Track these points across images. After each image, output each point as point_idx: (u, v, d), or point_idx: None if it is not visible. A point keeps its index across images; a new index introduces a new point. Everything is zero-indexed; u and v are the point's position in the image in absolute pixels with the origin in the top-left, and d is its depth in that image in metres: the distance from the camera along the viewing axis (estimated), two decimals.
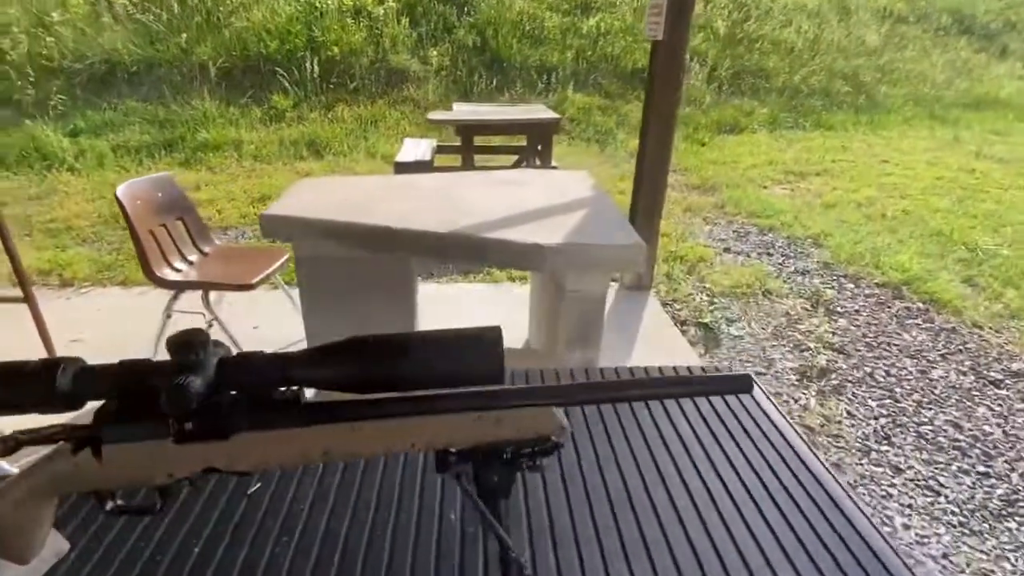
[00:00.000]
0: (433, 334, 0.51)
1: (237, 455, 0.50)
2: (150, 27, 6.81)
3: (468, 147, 4.19)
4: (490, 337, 0.50)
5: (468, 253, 1.70)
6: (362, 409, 0.51)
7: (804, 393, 2.41)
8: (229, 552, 0.63)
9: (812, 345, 2.75)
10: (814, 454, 0.79)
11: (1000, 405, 2.36)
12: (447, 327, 0.50)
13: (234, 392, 0.50)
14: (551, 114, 4.44)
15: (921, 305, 3.13)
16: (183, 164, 5.37)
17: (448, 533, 0.65)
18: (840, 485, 0.73)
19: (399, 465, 0.76)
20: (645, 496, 0.71)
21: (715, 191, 4.99)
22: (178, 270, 2.34)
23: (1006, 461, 2.06)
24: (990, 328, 2.91)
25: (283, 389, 0.51)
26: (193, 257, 2.46)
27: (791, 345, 2.76)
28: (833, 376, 2.52)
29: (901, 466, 2.03)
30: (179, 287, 2.31)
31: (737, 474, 0.75)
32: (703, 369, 0.93)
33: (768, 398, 0.90)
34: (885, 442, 2.14)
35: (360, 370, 0.49)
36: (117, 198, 2.19)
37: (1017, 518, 1.83)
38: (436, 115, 4.45)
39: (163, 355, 0.49)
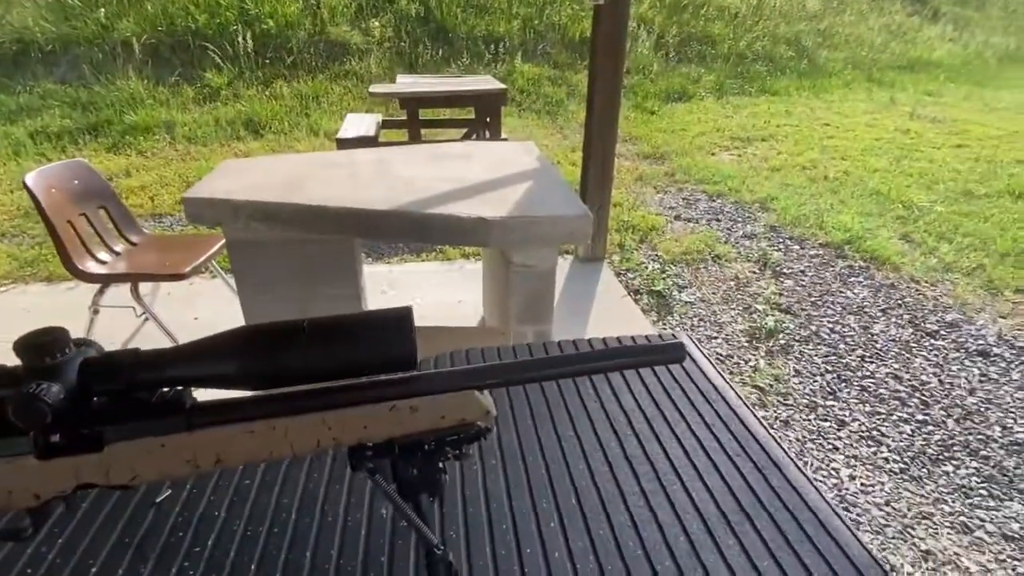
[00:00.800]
0: (332, 320, 0.46)
1: (114, 468, 0.44)
2: (64, 1, 6.30)
3: (414, 121, 4.05)
4: (399, 319, 0.45)
5: (411, 231, 1.63)
6: (253, 408, 0.45)
7: (754, 354, 2.46)
8: (132, 570, 0.57)
9: (760, 307, 2.81)
10: (755, 417, 0.78)
11: (936, 355, 2.47)
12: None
13: (104, 397, 0.44)
14: (498, 84, 4.33)
15: (862, 263, 3.23)
16: (111, 149, 5.03)
17: (377, 531, 0.61)
18: (780, 447, 0.72)
19: (326, 461, 0.71)
20: (585, 468, 0.68)
21: (665, 159, 5.01)
22: (103, 262, 2.18)
23: (942, 408, 2.16)
24: (926, 282, 3.03)
25: (165, 391, 0.45)
26: (120, 247, 2.31)
27: (740, 308, 2.81)
28: (781, 336, 2.58)
29: (846, 419, 2.10)
30: (104, 280, 2.16)
31: (678, 440, 0.73)
32: (633, 340, 0.90)
33: (710, 362, 0.88)
34: (831, 397, 2.22)
35: (249, 364, 0.43)
36: (27, 187, 2.01)
37: (953, 462, 1.92)
38: (378, 88, 4.28)
39: None
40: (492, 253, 2.09)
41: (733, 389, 0.83)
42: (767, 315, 2.73)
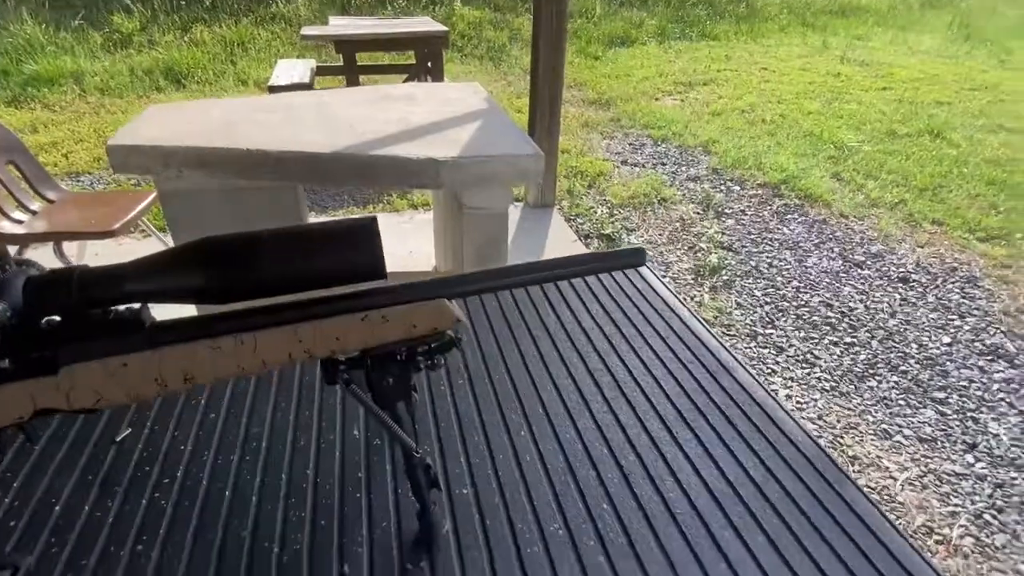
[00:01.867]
0: (297, 229, 0.45)
1: (76, 391, 0.43)
2: None
3: (351, 67, 3.86)
4: (364, 228, 0.45)
5: (358, 174, 1.58)
6: (219, 324, 0.44)
7: (699, 291, 2.57)
8: (99, 505, 0.56)
9: (704, 246, 2.92)
10: (706, 328, 0.82)
11: (862, 283, 2.64)
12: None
13: (54, 318, 0.42)
14: (439, 26, 4.16)
15: (797, 201, 3.38)
16: (11, 103, 4.57)
17: (352, 449, 0.62)
18: (730, 353, 0.77)
19: (293, 385, 0.70)
20: (550, 382, 0.71)
21: (610, 105, 5.00)
22: (18, 221, 2.02)
23: (867, 331, 2.33)
24: (854, 217, 3.21)
25: (120, 309, 0.44)
26: (36, 206, 2.13)
27: (686, 248, 2.91)
28: (724, 273, 2.70)
29: (783, 345, 2.24)
30: (22, 241, 2.00)
31: (636, 353, 0.76)
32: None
33: (663, 283, 0.92)
34: (770, 326, 2.35)
35: (212, 277, 0.42)
36: None
37: (877, 377, 2.10)
38: (310, 30, 4.03)
39: None
40: (443, 199, 2.06)
41: (685, 305, 0.87)
42: (710, 253, 2.84)
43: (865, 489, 0.57)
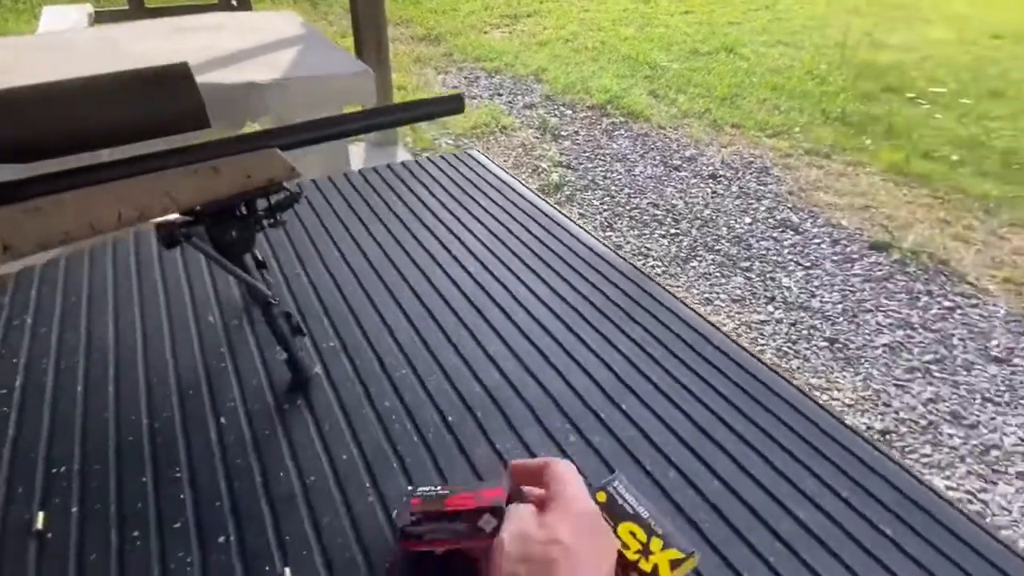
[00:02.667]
0: (102, 78, 0.44)
1: None
2: None
3: (139, 8, 3.38)
4: (176, 73, 0.45)
5: None
6: (34, 185, 0.43)
7: None
8: None
9: (546, 166, 3.09)
10: (541, 198, 0.92)
11: (681, 183, 2.99)
12: None
13: None
14: None
15: (622, 118, 3.68)
16: None
17: (210, 333, 0.63)
18: (563, 214, 0.88)
19: (129, 266, 0.68)
20: (404, 255, 0.76)
21: (440, 40, 4.94)
22: None
23: (687, 221, 2.67)
24: (670, 127, 3.58)
25: None
26: None
27: (530, 170, 3.06)
28: (566, 188, 2.89)
29: (621, 243, 2.50)
30: None
31: (482, 224, 0.84)
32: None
33: (498, 165, 1.00)
34: (609, 229, 2.60)
35: (6, 134, 0.40)
36: None
37: (698, 259, 2.43)
38: None
39: None
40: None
41: (520, 181, 0.96)
42: (552, 172, 3.02)
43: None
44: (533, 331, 0.64)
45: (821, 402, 0.55)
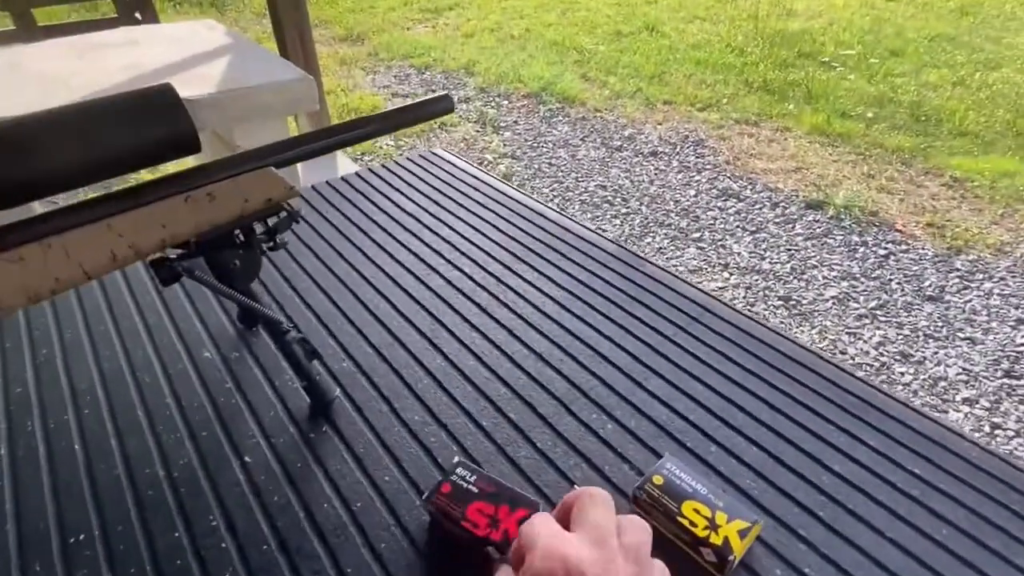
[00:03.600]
0: (79, 106, 0.40)
1: None
2: None
3: (30, 27, 3.11)
4: (161, 95, 0.42)
5: None
6: (14, 232, 0.39)
7: None
8: None
9: (491, 159, 3.08)
10: (510, 186, 0.91)
11: (624, 163, 3.05)
12: None
13: None
14: None
15: (558, 104, 3.70)
16: None
17: (210, 369, 0.59)
18: (536, 200, 0.88)
19: (99, 308, 0.63)
20: (390, 259, 0.74)
21: (363, 40, 4.81)
22: None
23: (636, 200, 2.73)
24: (606, 109, 3.64)
25: None
26: None
27: (476, 163, 3.04)
28: (514, 178, 2.89)
29: None
30: None
31: (463, 221, 0.83)
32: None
33: (468, 163, 0.99)
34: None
35: None
36: None
37: (651, 235, 2.49)
38: None
39: None
40: (211, 145, 1.85)
41: (490, 175, 0.96)
42: (498, 164, 3.01)
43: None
44: (544, 325, 0.64)
45: (836, 361, 0.58)
